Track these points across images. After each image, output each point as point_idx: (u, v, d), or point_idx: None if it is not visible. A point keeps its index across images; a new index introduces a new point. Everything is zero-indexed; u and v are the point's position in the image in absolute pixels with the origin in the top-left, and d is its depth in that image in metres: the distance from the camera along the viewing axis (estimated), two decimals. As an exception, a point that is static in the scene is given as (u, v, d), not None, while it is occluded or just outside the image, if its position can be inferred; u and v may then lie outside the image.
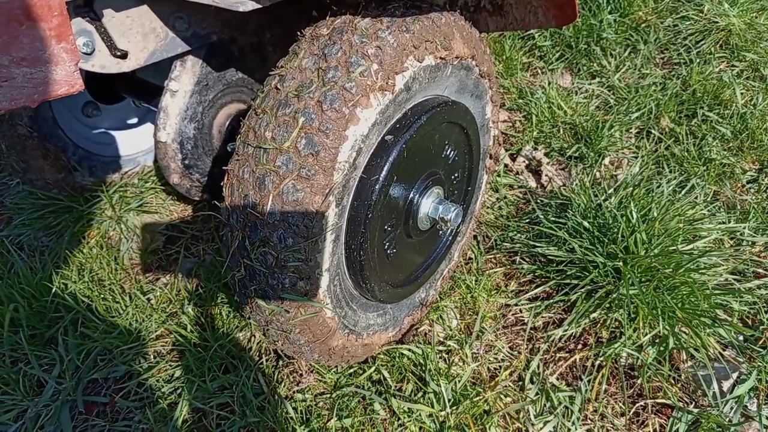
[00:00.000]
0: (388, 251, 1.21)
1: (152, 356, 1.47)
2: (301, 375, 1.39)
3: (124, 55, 1.25)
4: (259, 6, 1.06)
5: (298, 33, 1.05)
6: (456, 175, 1.35)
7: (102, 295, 1.58)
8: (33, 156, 1.64)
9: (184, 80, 1.42)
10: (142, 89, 1.66)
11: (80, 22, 1.16)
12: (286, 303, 1.03)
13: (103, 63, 1.22)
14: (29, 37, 0.74)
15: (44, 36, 0.76)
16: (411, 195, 1.19)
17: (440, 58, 1.10)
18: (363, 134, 0.99)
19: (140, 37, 1.26)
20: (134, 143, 1.95)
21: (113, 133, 1.91)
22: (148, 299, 1.57)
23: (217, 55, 1.45)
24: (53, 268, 1.68)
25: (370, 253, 1.12)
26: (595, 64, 2.54)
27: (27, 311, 1.53)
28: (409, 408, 1.31)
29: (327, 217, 0.99)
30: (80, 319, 1.52)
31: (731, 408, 1.37)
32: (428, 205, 1.23)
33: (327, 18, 1.05)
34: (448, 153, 1.27)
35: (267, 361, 1.39)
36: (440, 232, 1.39)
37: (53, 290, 1.56)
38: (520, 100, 2.32)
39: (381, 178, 1.05)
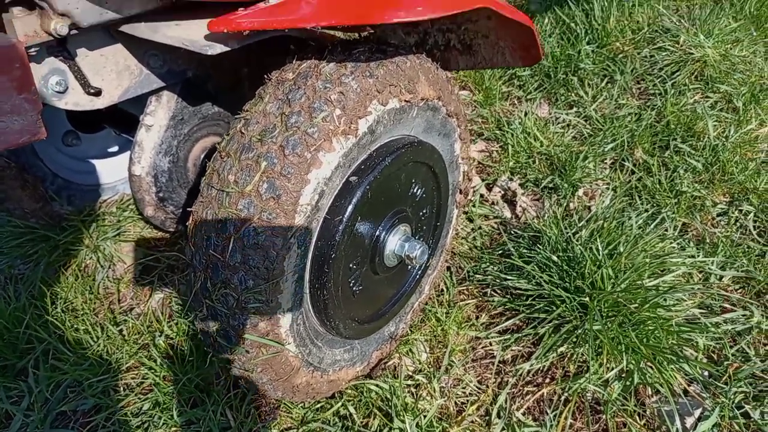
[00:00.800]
0: (354, 288, 1.22)
1: (122, 389, 1.47)
2: (269, 410, 1.40)
3: (98, 93, 1.27)
4: (228, 49, 1.08)
5: (265, 76, 1.08)
6: (424, 211, 1.37)
7: (74, 326, 1.58)
8: (11, 186, 1.65)
9: (159, 115, 1.44)
10: (122, 120, 1.68)
11: (53, 61, 1.18)
12: (248, 343, 1.04)
13: (77, 101, 1.24)
14: (-10, 90, 0.76)
15: (5, 88, 0.77)
16: (377, 233, 1.21)
17: (405, 100, 1.13)
18: (326, 177, 1.01)
19: (114, 75, 1.29)
20: (113, 172, 1.97)
21: (93, 161, 1.92)
22: (120, 330, 1.58)
23: (192, 90, 1.48)
24: (27, 298, 1.68)
25: (334, 291, 1.14)
26: (572, 94, 2.59)
27: (-2, 342, 1.53)
28: (374, 444, 1.32)
29: (288, 259, 1.01)
30: (51, 351, 1.52)
31: (695, 444, 1.39)
32: (394, 242, 1.25)
33: (294, 61, 1.07)
34: (415, 191, 1.29)
35: (234, 395, 1.40)
36: (408, 267, 1.40)
37: (26, 321, 1.56)
38: (498, 131, 2.35)
39: (344, 219, 1.07)
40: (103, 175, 1.93)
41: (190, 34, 1.11)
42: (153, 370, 1.46)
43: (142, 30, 1.14)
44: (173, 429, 1.38)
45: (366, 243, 1.20)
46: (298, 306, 1.11)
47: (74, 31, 1.10)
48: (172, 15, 1.18)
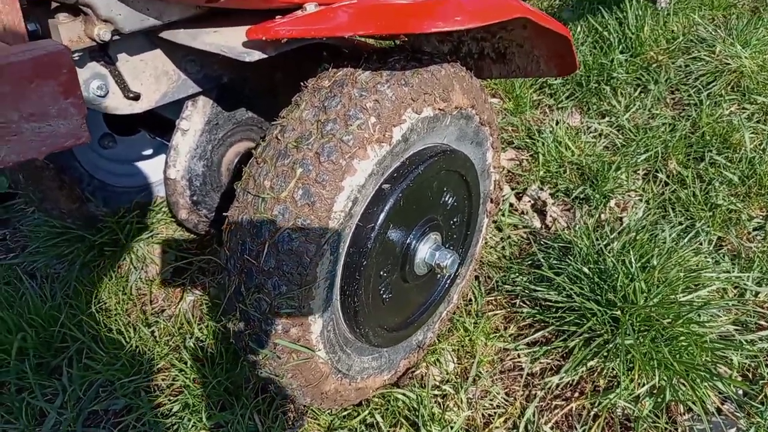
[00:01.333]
0: (384, 296, 1.22)
1: (153, 390, 1.49)
2: (296, 416, 1.40)
3: (136, 97, 1.29)
4: (265, 56, 1.10)
5: (302, 84, 1.09)
6: (455, 220, 1.37)
7: (108, 326, 1.61)
8: (49, 187, 1.69)
9: (195, 120, 1.47)
10: (157, 123, 1.71)
11: (95, 66, 1.21)
12: (279, 348, 1.05)
13: (116, 105, 1.27)
14: (38, 94, 0.78)
15: (53, 92, 0.79)
16: (408, 241, 1.21)
17: (439, 109, 1.13)
18: (359, 184, 1.01)
19: (153, 80, 1.31)
20: (148, 174, 2.00)
21: (128, 164, 1.96)
22: (152, 331, 1.60)
23: (228, 95, 1.50)
24: (63, 297, 1.71)
25: (365, 299, 1.14)
26: (605, 104, 2.56)
27: (34, 340, 1.56)
28: (401, 453, 1.31)
29: (321, 266, 1.01)
30: (85, 350, 1.55)
31: (729, 465, 1.35)
32: (425, 251, 1.25)
33: (330, 69, 1.08)
34: (446, 199, 1.29)
35: (263, 400, 1.41)
36: (438, 276, 1.40)
37: (61, 320, 1.60)
38: (528, 139, 2.34)
39: (377, 226, 1.07)
40: (138, 178, 1.96)
41: (228, 40, 1.13)
42: (183, 372, 1.47)
43: (182, 36, 1.17)
44: (202, 431, 1.40)
45: (397, 251, 1.20)
46: (329, 313, 1.11)
47: (116, 37, 1.12)
48: (210, 22, 1.20)
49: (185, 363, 1.49)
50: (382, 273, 1.18)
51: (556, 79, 2.70)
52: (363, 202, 1.06)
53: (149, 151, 2.00)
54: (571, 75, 2.65)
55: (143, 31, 1.16)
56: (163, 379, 1.51)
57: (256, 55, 1.08)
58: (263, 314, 1.02)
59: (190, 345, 1.53)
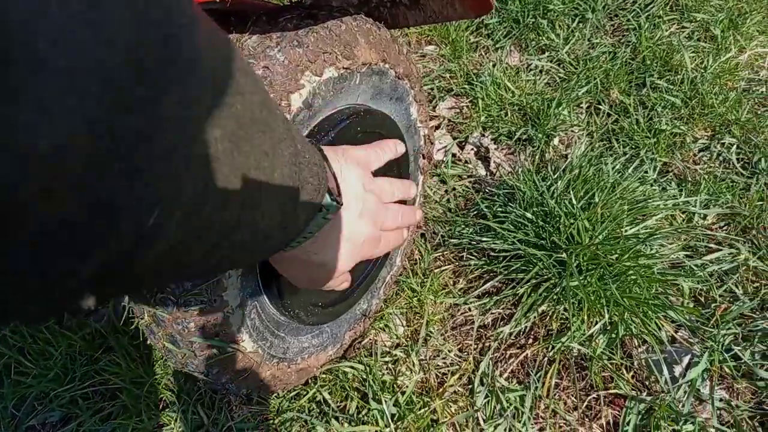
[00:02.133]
0: (311, 273, 1.15)
1: (90, 396, 1.42)
2: (241, 404, 1.35)
3: None
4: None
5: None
6: (382, 182, 1.29)
7: (34, 335, 1.52)
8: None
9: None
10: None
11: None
12: (196, 346, 0.98)
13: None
14: None
15: None
16: (329, 212, 1.13)
17: (343, 68, 1.03)
18: (256, 162, 0.92)
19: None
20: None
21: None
22: (83, 336, 1.51)
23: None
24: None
25: (287, 280, 1.07)
26: (543, 38, 2.47)
27: (-43, 361, 1.47)
28: (351, 430, 1.27)
29: (226, 254, 0.93)
30: (12, 364, 1.46)
31: (684, 393, 1.34)
32: (350, 220, 1.17)
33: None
34: (367, 163, 1.20)
35: (205, 392, 1.35)
36: (372, 242, 1.33)
37: (-17, 336, 1.50)
38: (467, 85, 2.25)
39: (286, 203, 0.99)
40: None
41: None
42: (117, 375, 1.40)
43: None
44: (147, 432, 1.34)
45: (318, 224, 1.12)
46: (249, 300, 1.04)
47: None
48: None
49: (119, 365, 1.41)
50: (304, 250, 1.10)
51: (491, 18, 2.59)
52: (266, 178, 0.97)
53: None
54: (505, 11, 2.55)
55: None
56: (101, 384, 1.43)
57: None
58: (171, 314, 0.94)
59: (123, 345, 1.45)
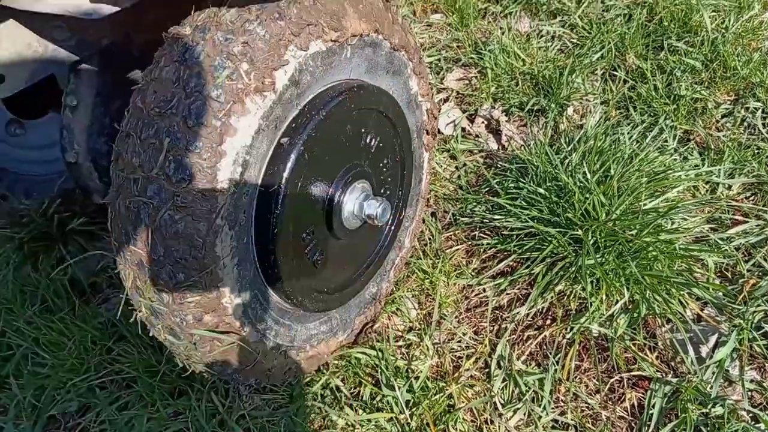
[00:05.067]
0: (314, 259, 1.11)
1: (106, 385, 1.40)
2: (255, 391, 1.32)
3: (0, 79, 1.13)
4: (118, 9, 0.93)
5: (163, 35, 0.92)
6: (385, 161, 1.23)
7: (49, 326, 1.50)
8: (-43, 192, 1.54)
9: (83, 92, 1.30)
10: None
11: (-64, 52, 1.04)
12: (197, 338, 0.94)
13: (-24, 92, 1.11)
14: None
15: None
16: (330, 196, 1.08)
17: (331, 40, 0.97)
18: (246, 145, 0.87)
19: (15, 56, 1.14)
20: (68, 157, 1.84)
21: (43, 149, 1.80)
22: (95, 325, 1.49)
23: (114, 59, 1.32)
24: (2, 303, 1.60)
25: (288, 267, 1.02)
26: (554, 2, 2.36)
27: (-26, 354, 1.46)
28: (365, 417, 1.24)
29: (220, 244, 0.89)
30: (29, 355, 1.45)
31: (712, 374, 1.28)
32: (352, 203, 1.12)
33: (192, 13, 0.91)
34: (368, 141, 1.15)
35: (219, 380, 1.32)
36: (379, 224, 1.28)
37: (-3, 329, 1.49)
38: (475, 54, 2.16)
39: (282, 188, 0.94)
40: (57, 163, 1.80)
41: (74, -2, 0.96)
42: (130, 364, 1.38)
43: (22, 2, 0.99)
44: (161, 422, 1.32)
45: (318, 208, 1.07)
46: (248, 289, 0.99)
47: (-57, 15, 0.95)
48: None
49: (132, 354, 1.39)
50: (304, 235, 1.06)
51: (501, -17, 2.49)
52: (259, 163, 0.92)
53: (64, 133, 1.83)
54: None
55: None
56: (117, 373, 1.41)
57: (106, 9, 0.92)
58: (168, 306, 0.90)
59: (137, 333, 1.43)
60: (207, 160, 0.83)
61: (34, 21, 1.13)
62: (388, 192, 1.27)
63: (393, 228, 1.34)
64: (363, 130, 1.12)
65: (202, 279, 0.88)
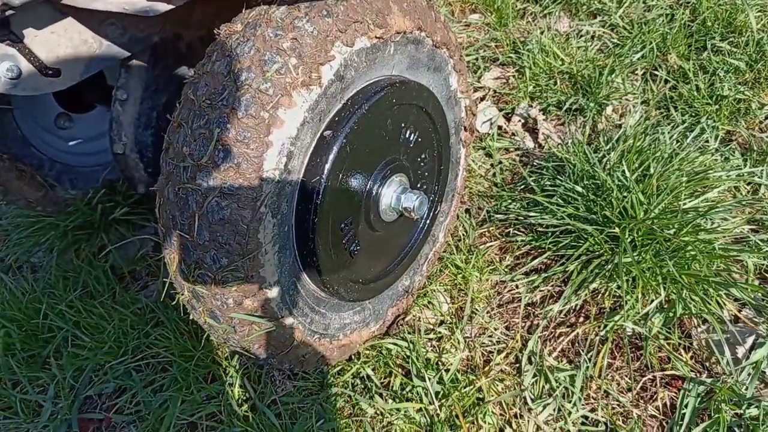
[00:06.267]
0: (351, 249, 1.13)
1: (142, 369, 1.46)
2: (287, 377, 1.35)
3: (56, 73, 1.19)
4: (172, 7, 0.97)
5: (215, 31, 0.96)
6: (423, 156, 1.25)
7: (90, 310, 1.57)
8: (8, 179, 1.61)
9: (132, 87, 1.36)
10: (110, 95, 1.61)
11: (0, 46, 1.10)
12: (236, 321, 0.98)
13: (35, 85, 1.16)
14: None
15: None
16: (368, 188, 1.11)
17: (376, 37, 1.00)
18: (291, 136, 0.90)
19: (71, 51, 1.20)
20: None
21: (89, 142, 1.87)
22: (134, 310, 1.55)
23: (164, 55, 1.37)
24: (43, 287, 1.68)
25: (326, 256, 1.06)
26: (595, 2, 2.34)
27: (20, 334, 1.53)
28: (395, 407, 1.26)
29: (263, 230, 0.92)
30: (70, 337, 1.52)
31: (748, 375, 1.26)
32: (390, 195, 1.15)
33: (243, 11, 0.95)
34: (407, 136, 1.17)
35: (252, 365, 1.36)
36: (415, 218, 1.30)
37: (42, 310, 1.56)
38: (513, 54, 2.16)
39: (323, 179, 0.97)
40: (102, 155, 1.87)
41: (131, -6, 1.01)
42: (167, 348, 1.43)
43: (81, 0, 1.04)
44: (195, 405, 1.36)
45: (356, 200, 1.10)
46: (287, 277, 1.03)
47: (9, 12, 1.00)
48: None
49: (168, 339, 1.44)
50: (343, 226, 1.09)
51: (540, -18, 2.48)
52: (302, 154, 0.95)
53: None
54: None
55: (38, 1, 1.04)
56: (152, 357, 1.47)
57: (161, 7, 0.96)
58: (210, 290, 0.94)
59: (174, 319, 1.48)
60: (254, 150, 0.86)
61: (90, 18, 1.18)
62: (425, 186, 1.29)
63: (428, 222, 1.36)
64: (403, 125, 1.14)
65: (245, 264, 0.92)
